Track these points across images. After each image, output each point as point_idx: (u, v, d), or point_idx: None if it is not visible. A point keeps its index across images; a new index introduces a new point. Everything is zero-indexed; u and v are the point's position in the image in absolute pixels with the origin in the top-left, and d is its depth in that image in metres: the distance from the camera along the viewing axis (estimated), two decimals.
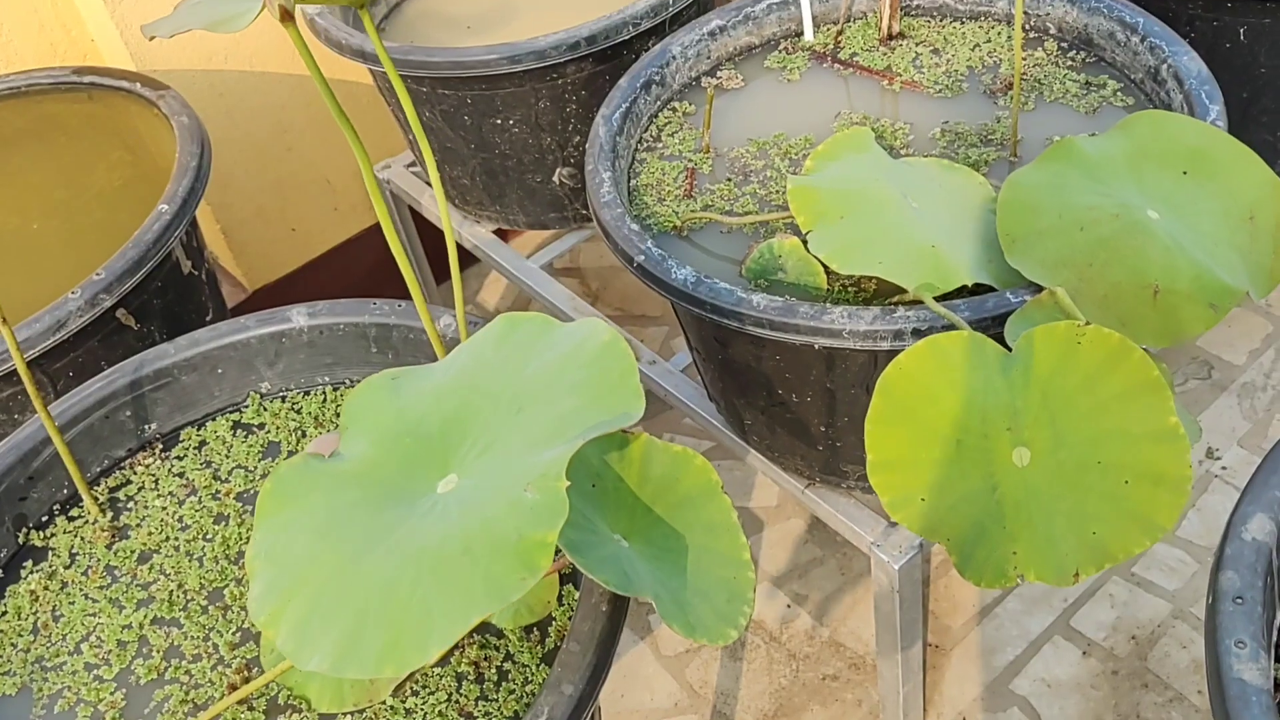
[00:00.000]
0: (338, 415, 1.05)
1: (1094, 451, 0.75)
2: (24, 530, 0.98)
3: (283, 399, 1.07)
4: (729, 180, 1.16)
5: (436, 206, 1.71)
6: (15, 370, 1.10)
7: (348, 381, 1.07)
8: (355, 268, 2.03)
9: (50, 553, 0.97)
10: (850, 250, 0.94)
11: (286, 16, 0.63)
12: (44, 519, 1.00)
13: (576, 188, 1.53)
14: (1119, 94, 1.14)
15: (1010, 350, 0.80)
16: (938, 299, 0.92)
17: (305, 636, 0.57)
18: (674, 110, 1.26)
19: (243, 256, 1.90)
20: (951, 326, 0.89)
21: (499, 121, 1.44)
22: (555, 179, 1.52)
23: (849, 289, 1.01)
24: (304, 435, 1.03)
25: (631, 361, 0.65)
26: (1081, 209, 0.93)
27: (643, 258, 1.02)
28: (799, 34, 1.32)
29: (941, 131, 1.16)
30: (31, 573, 0.96)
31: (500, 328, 0.70)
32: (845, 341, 0.93)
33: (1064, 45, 1.22)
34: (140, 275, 1.16)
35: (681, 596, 0.76)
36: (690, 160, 1.19)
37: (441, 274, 2.06)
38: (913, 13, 1.31)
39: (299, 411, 1.05)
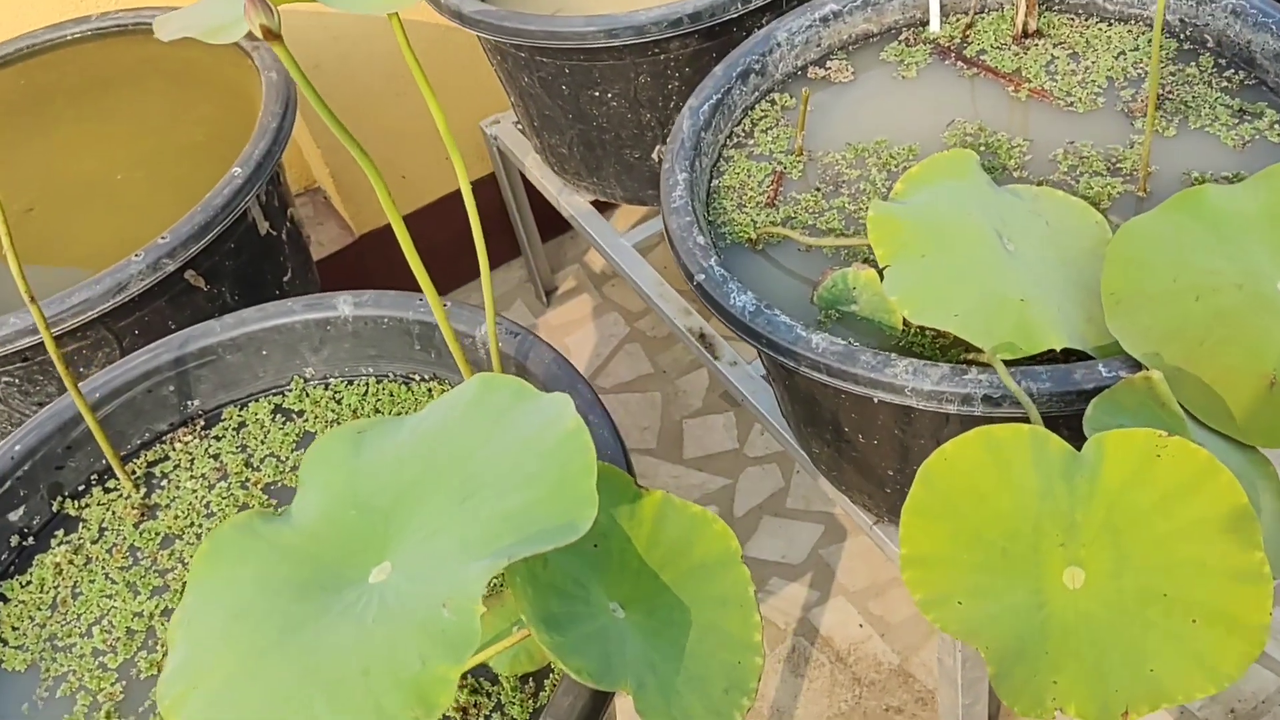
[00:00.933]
0: (378, 409, 1.01)
1: (1161, 582, 0.65)
2: (59, 498, 0.99)
3: (325, 386, 1.04)
4: (817, 190, 1.06)
5: (538, 169, 1.65)
6: (76, 328, 1.10)
7: (391, 375, 1.03)
8: (462, 217, 1.99)
9: (81, 524, 0.97)
10: (925, 296, 0.84)
11: (269, 35, 0.57)
12: (80, 488, 1.00)
13: None
14: (1277, 127, 0.99)
15: (1081, 445, 0.69)
16: (1022, 362, 0.82)
17: None
18: (773, 103, 1.16)
19: (350, 200, 1.89)
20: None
21: (596, 94, 1.37)
22: (655, 156, 1.44)
23: (925, 334, 0.91)
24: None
25: (591, 460, 0.58)
26: (1201, 273, 0.80)
27: (703, 276, 0.94)
28: (924, 23, 1.19)
29: (1064, 153, 1.03)
30: (61, 543, 0.96)
31: (474, 390, 0.64)
32: (908, 399, 0.83)
33: (1221, 62, 1.06)
34: (208, 239, 1.14)
35: (671, 684, 0.69)
36: (780, 163, 1.09)
37: (547, 232, 2.01)
38: (1055, 8, 1.16)
39: (339, 402, 1.02)
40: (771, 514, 1.61)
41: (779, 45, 1.16)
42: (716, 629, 0.73)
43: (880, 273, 0.89)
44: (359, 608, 0.55)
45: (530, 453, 0.58)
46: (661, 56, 1.31)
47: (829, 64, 1.18)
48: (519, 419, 0.61)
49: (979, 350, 0.86)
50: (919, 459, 0.96)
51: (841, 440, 1.03)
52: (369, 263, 1.95)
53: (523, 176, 1.83)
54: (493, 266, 2.11)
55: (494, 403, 0.62)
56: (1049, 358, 0.83)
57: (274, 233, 1.31)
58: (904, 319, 0.91)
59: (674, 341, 1.89)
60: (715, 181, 1.10)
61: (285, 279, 1.35)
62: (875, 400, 0.88)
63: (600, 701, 0.71)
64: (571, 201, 1.61)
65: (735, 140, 1.13)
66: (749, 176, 1.09)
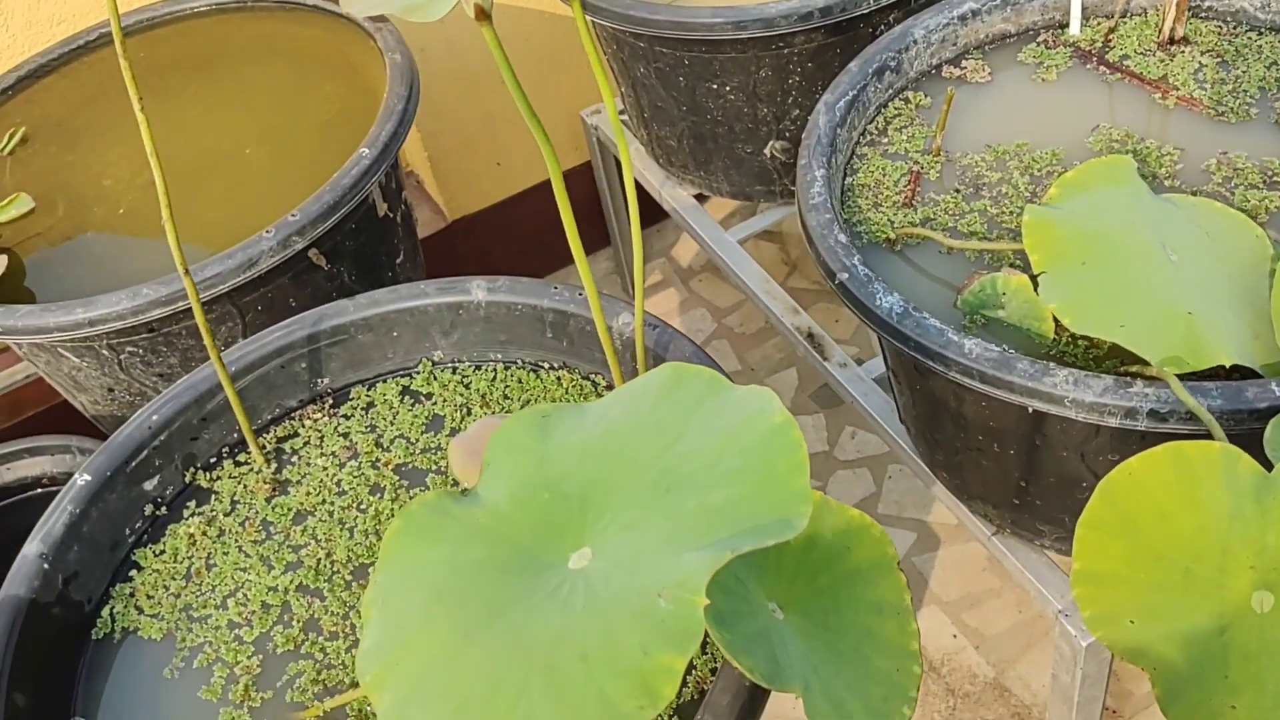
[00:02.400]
0: (506, 395, 1.01)
1: None
2: (192, 470, 0.99)
3: (453, 370, 1.04)
4: (957, 191, 1.04)
5: (640, 160, 1.64)
6: (206, 301, 1.10)
7: (519, 361, 1.03)
8: (554, 207, 1.99)
9: (214, 496, 0.98)
10: (1088, 305, 0.82)
11: (482, 15, 0.57)
12: (212, 460, 1.00)
13: (789, 162, 1.43)
14: None
15: (1270, 467, 0.67)
16: (1187, 377, 0.79)
17: (404, 716, 0.53)
18: (906, 101, 1.14)
19: (446, 185, 1.89)
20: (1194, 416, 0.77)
21: (714, 86, 1.35)
22: (767, 151, 1.42)
23: (1078, 343, 0.89)
24: (469, 413, 1.00)
25: (803, 455, 0.57)
26: None
27: (846, 276, 0.93)
28: (1063, 25, 1.17)
29: (1218, 163, 1.00)
30: (194, 514, 0.97)
31: (663, 381, 0.63)
32: (1066, 410, 0.82)
33: None
34: (335, 219, 1.14)
35: (833, 688, 0.68)
36: (916, 162, 1.07)
37: (644, 223, 2.01)
38: (1202, 14, 1.13)
39: (467, 386, 1.02)
40: None
41: (915, 42, 1.15)
42: (874, 635, 0.72)
43: (1033, 279, 0.88)
44: (564, 592, 0.55)
45: (734, 445, 0.58)
46: (785, 50, 1.29)
47: (965, 63, 1.16)
48: (716, 412, 0.60)
49: (1138, 362, 0.84)
50: (1057, 471, 0.95)
51: (972, 448, 1.01)
52: (460, 248, 1.95)
53: (617, 167, 1.82)
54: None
55: (685, 394, 0.61)
56: (1214, 373, 0.81)
57: (390, 215, 1.31)
58: (1055, 327, 0.89)
59: (762, 339, 1.88)
60: (849, 179, 1.08)
61: (398, 261, 1.35)
62: (1028, 409, 0.86)
63: (758, 701, 0.71)
64: (674, 194, 1.60)
65: (869, 138, 1.12)
66: (884, 175, 1.07)
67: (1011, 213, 1.01)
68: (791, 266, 1.98)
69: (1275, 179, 0.97)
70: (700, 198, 1.62)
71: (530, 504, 0.60)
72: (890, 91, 1.15)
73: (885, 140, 1.11)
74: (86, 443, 1.23)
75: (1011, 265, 0.95)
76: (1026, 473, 0.98)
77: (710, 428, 0.59)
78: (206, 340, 0.90)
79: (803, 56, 1.30)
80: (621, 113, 1.75)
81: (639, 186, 1.73)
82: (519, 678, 0.51)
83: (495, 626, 0.54)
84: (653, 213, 1.94)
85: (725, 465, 0.57)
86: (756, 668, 0.64)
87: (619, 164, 1.78)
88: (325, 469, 0.98)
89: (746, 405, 0.59)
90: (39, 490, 1.25)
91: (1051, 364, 0.82)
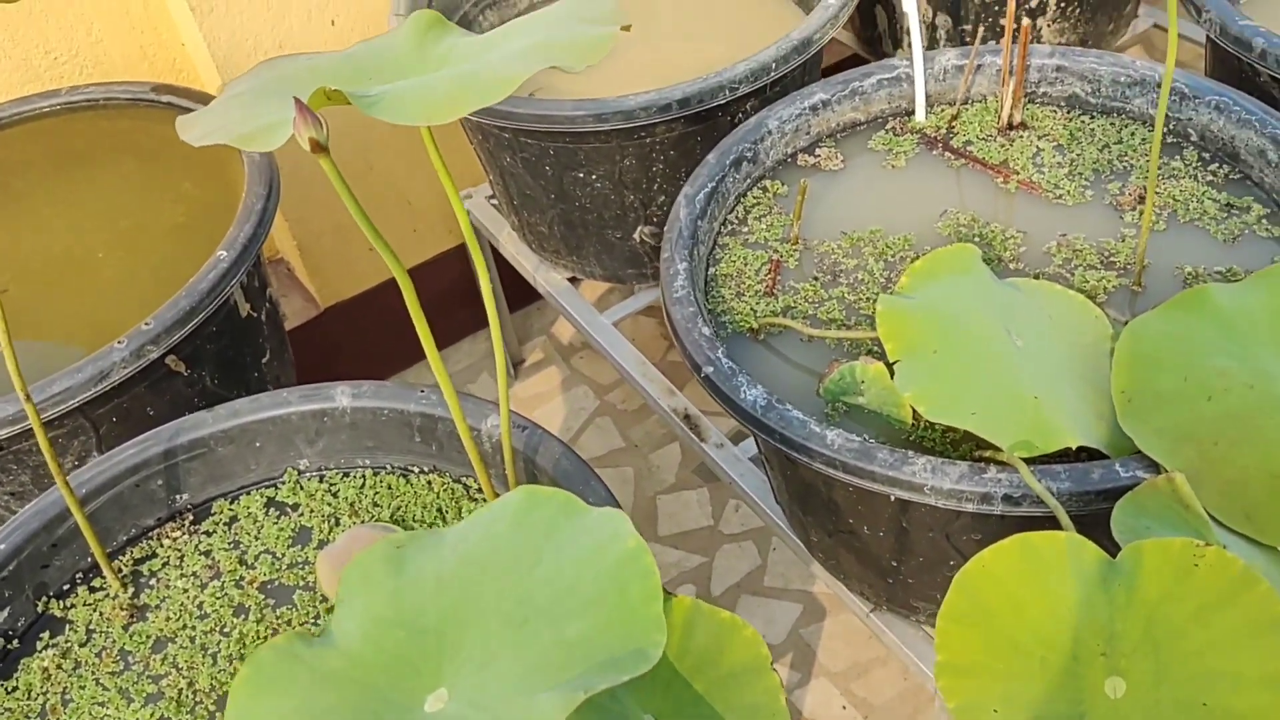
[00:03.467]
0: (375, 503, 0.99)
1: (1199, 692, 0.65)
2: (44, 599, 0.95)
3: (320, 478, 1.01)
4: (815, 280, 1.07)
5: (513, 244, 1.65)
6: (55, 417, 1.06)
7: (388, 467, 1.01)
8: (430, 290, 1.97)
9: (68, 626, 0.93)
10: (940, 394, 0.85)
11: (318, 148, 0.56)
12: (65, 587, 0.96)
13: (657, 246, 1.45)
14: (1264, 222, 1.02)
15: (1114, 551, 0.70)
16: (1038, 460, 0.82)
17: None
18: (764, 190, 1.17)
19: (317, 273, 1.86)
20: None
21: (581, 175, 1.37)
22: (636, 236, 1.44)
23: (935, 428, 0.91)
24: (337, 523, 0.98)
25: (655, 582, 0.57)
26: (1211, 373, 0.82)
27: (712, 370, 0.94)
28: (909, 113, 1.22)
29: (1058, 245, 1.05)
30: (48, 646, 0.92)
31: (518, 504, 0.63)
32: (926, 497, 0.84)
33: (1205, 156, 1.09)
34: (193, 325, 1.11)
35: None
36: (776, 251, 1.10)
37: (515, 304, 2.01)
38: (1038, 100, 1.19)
39: (335, 495, 1.00)
40: (750, 592, 1.60)
41: (770, 132, 1.18)
42: None
43: (889, 367, 0.90)
44: None
45: (587, 573, 0.57)
46: (647, 140, 1.32)
47: (818, 151, 1.20)
48: (570, 538, 0.60)
49: (992, 447, 0.87)
50: (924, 551, 0.97)
51: (842, 530, 1.02)
52: (335, 335, 1.92)
53: (494, 250, 1.82)
54: (459, 338, 2.10)
55: (540, 518, 0.61)
56: (1063, 455, 0.84)
57: (254, 314, 1.28)
58: (912, 413, 0.92)
59: (645, 415, 1.88)
60: (712, 270, 1.10)
61: (264, 360, 1.32)
62: (890, 496, 0.88)
63: None
64: (548, 278, 1.60)
65: (729, 227, 1.14)
66: (745, 264, 1.09)
67: (868, 299, 1.03)
68: (670, 342, 2.00)
69: (1111, 259, 1.03)
70: (574, 280, 1.63)
71: (383, 642, 0.59)
72: (748, 181, 1.17)
73: (746, 229, 1.13)
74: None
75: (870, 353, 0.98)
76: (896, 553, 0.99)
77: (565, 553, 0.59)
78: (51, 465, 0.86)
79: (665, 145, 1.32)
80: (491, 198, 1.75)
81: (513, 270, 1.74)
82: None
83: None
84: (531, 292, 1.94)
85: (580, 594, 0.57)
86: None
87: (494, 247, 1.78)
88: (186, 591, 0.94)
89: (600, 530, 0.59)
90: None
91: (910, 452, 0.85)
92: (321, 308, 1.89)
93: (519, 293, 1.94)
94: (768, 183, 1.18)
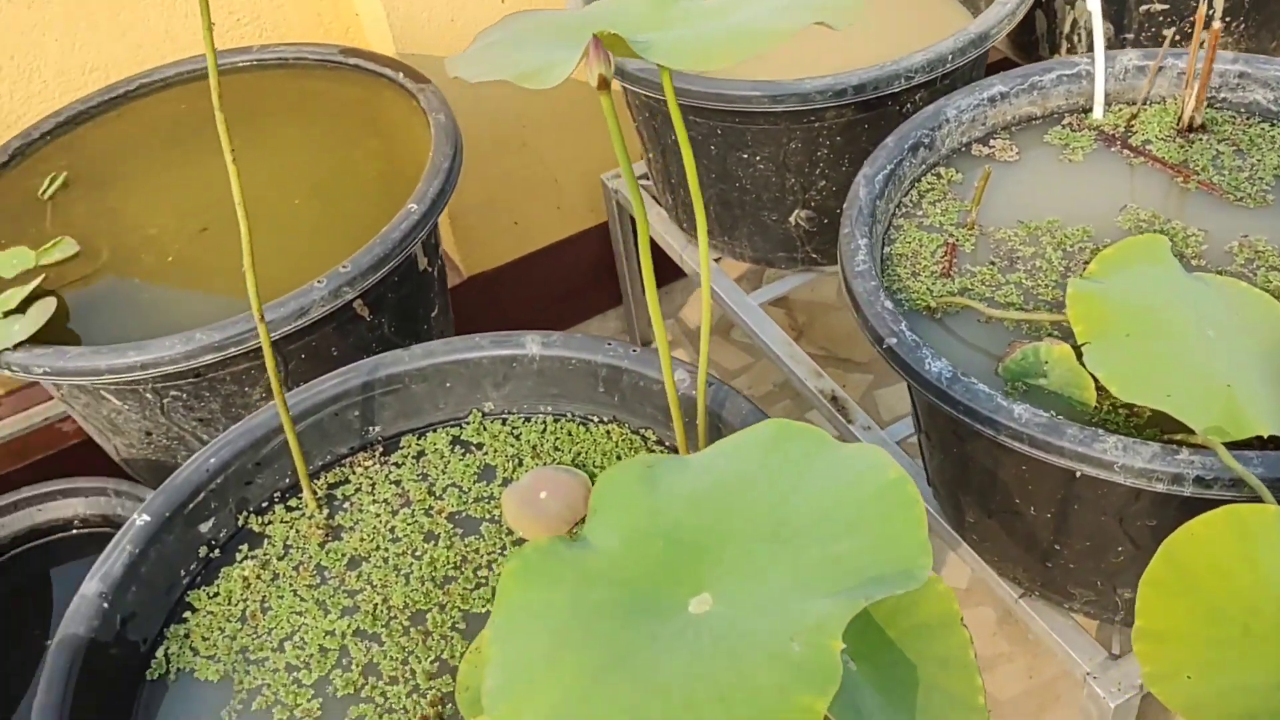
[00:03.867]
0: (556, 447, 1.03)
1: None
2: (245, 514, 1.00)
3: (503, 421, 1.06)
4: (992, 264, 1.08)
5: (660, 224, 1.68)
6: (255, 348, 1.12)
7: (569, 414, 1.05)
8: (569, 267, 2.03)
9: (266, 540, 0.99)
10: (1134, 375, 0.86)
11: (604, 85, 0.60)
12: (264, 505, 1.02)
13: (812, 231, 1.48)
14: None
15: None
16: (1227, 447, 0.83)
17: None
18: (939, 176, 1.19)
19: (464, 242, 1.92)
20: (1239, 481, 0.81)
21: (745, 156, 1.40)
22: (791, 220, 1.47)
23: (1118, 411, 0.93)
24: (520, 464, 1.02)
25: (920, 511, 0.60)
26: None
27: (894, 341, 0.97)
28: (1087, 110, 1.23)
29: (1239, 246, 1.05)
30: (247, 558, 0.98)
31: (769, 436, 0.66)
32: (1115, 475, 0.85)
33: None
34: (383, 272, 1.17)
35: None
36: (951, 235, 1.12)
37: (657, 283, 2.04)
38: (1217, 105, 1.20)
39: (518, 437, 1.04)
40: None
41: (947, 121, 1.20)
42: (940, 689, 0.74)
43: (1076, 349, 0.92)
44: (689, 635, 0.57)
45: (848, 499, 0.60)
46: (816, 124, 1.35)
47: (993, 142, 1.22)
48: (825, 468, 0.63)
49: (1178, 430, 0.88)
50: (1092, 534, 0.98)
51: (1005, 510, 1.04)
52: (475, 304, 1.97)
53: (633, 230, 1.87)
54: (589, 315, 2.15)
55: (793, 450, 0.64)
56: (1250, 444, 0.85)
57: (429, 269, 1.34)
58: (1096, 395, 0.93)
59: (771, 401, 1.91)
60: (887, 249, 1.13)
61: (433, 314, 1.38)
62: (1069, 473, 0.90)
63: None
64: (696, 258, 1.64)
65: (904, 210, 1.17)
66: (921, 246, 1.12)
67: (1046, 286, 1.05)
68: (798, 332, 2.02)
69: None
70: (717, 262, 1.67)
71: (644, 550, 0.63)
72: (924, 167, 1.20)
73: (920, 213, 1.16)
74: (123, 485, 1.24)
75: (1050, 336, 0.99)
76: (1060, 536, 1.01)
77: (821, 481, 0.62)
78: (274, 385, 0.92)
79: (832, 131, 1.35)
80: (644, 178, 1.79)
81: (656, 247, 1.78)
82: (659, 715, 0.53)
83: (625, 667, 0.55)
84: (668, 274, 1.98)
85: (841, 518, 0.60)
86: (845, 718, 0.66)
87: (636, 226, 1.82)
88: (378, 515, 1.00)
89: (857, 462, 0.62)
90: (72, 532, 1.25)
91: (1100, 430, 0.86)
92: (464, 276, 1.95)
93: (656, 274, 1.98)
94: (942, 169, 1.20)
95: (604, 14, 0.78)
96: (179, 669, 0.91)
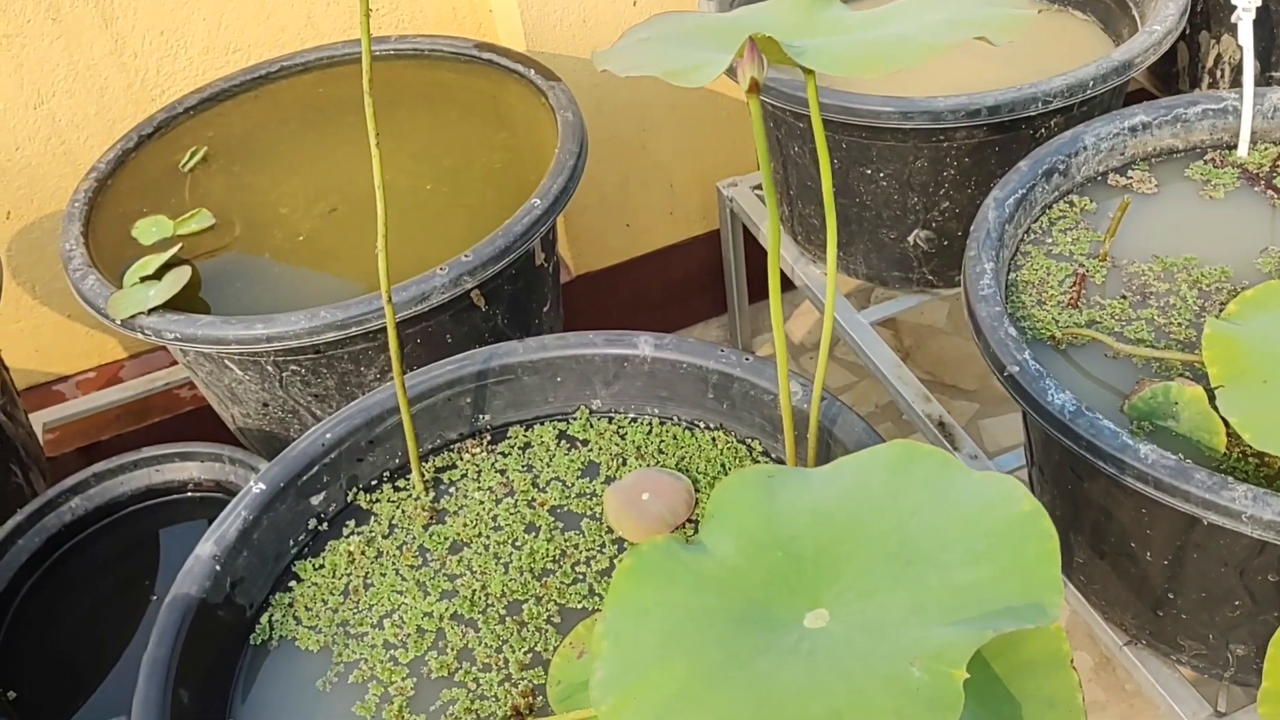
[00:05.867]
0: (661, 450, 1.03)
1: None
2: (354, 490, 1.02)
3: (610, 420, 1.06)
4: (1123, 298, 1.05)
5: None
6: (373, 329, 1.15)
7: (676, 418, 1.05)
8: (677, 272, 2.03)
9: (373, 517, 1.01)
10: (1270, 423, 0.83)
11: (754, 88, 0.60)
12: (374, 483, 1.03)
13: (930, 252, 1.46)
14: None
15: None
16: None
17: None
18: (1071, 204, 1.16)
19: (575, 241, 1.94)
20: None
21: (868, 172, 1.39)
22: (910, 239, 1.45)
23: (1249, 460, 0.89)
24: (624, 463, 1.02)
25: (1054, 545, 0.59)
26: None
27: (1017, 370, 0.94)
28: (1231, 147, 1.19)
29: None
30: (353, 533, 1.00)
31: (895, 455, 0.65)
32: (1241, 525, 0.82)
33: None
34: (502, 264, 1.18)
35: None
36: (1081, 265, 1.09)
37: (755, 296, 2.03)
38: None
39: (623, 437, 1.05)
40: None
41: (1085, 148, 1.17)
42: None
43: (1209, 391, 0.89)
44: (804, 649, 0.56)
45: (976, 528, 0.59)
46: (945, 144, 1.32)
47: (1131, 173, 1.18)
48: (952, 493, 0.62)
49: None
50: (1209, 585, 0.94)
51: (1118, 553, 1.01)
52: (580, 302, 1.99)
53: (745, 239, 1.86)
54: (693, 322, 2.14)
55: (918, 473, 0.63)
56: None
57: (545, 265, 1.35)
58: (1227, 444, 0.90)
59: (874, 423, 1.88)
60: (1012, 275, 1.10)
61: (545, 309, 1.39)
62: (1193, 520, 0.87)
63: None
64: (807, 271, 1.62)
65: (1032, 237, 1.14)
66: (1048, 274, 1.09)
67: (1180, 324, 1.02)
68: (905, 354, 1.99)
69: None
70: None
71: (760, 560, 0.62)
72: (1056, 194, 1.17)
73: (1050, 240, 1.13)
74: (237, 453, 1.28)
75: (1181, 376, 0.96)
76: (1175, 584, 0.97)
77: (949, 507, 0.61)
78: (395, 366, 0.94)
79: (961, 151, 1.33)
80: (757, 187, 1.79)
81: (759, 264, 1.77)
82: None
83: (737, 674, 0.55)
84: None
85: (967, 546, 0.59)
86: None
87: (748, 236, 1.82)
88: (482, 503, 1.01)
89: (988, 490, 0.61)
90: (187, 494, 1.29)
91: (1229, 478, 0.83)
92: (574, 275, 1.97)
93: (759, 287, 1.98)
94: (1075, 198, 1.17)
95: (755, 18, 0.78)
96: (281, 636, 0.93)
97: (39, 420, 1.65)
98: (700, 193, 1.94)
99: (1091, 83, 1.24)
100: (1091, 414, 0.89)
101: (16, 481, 1.33)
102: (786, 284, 1.79)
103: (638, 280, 2.02)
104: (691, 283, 2.07)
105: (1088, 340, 1.02)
